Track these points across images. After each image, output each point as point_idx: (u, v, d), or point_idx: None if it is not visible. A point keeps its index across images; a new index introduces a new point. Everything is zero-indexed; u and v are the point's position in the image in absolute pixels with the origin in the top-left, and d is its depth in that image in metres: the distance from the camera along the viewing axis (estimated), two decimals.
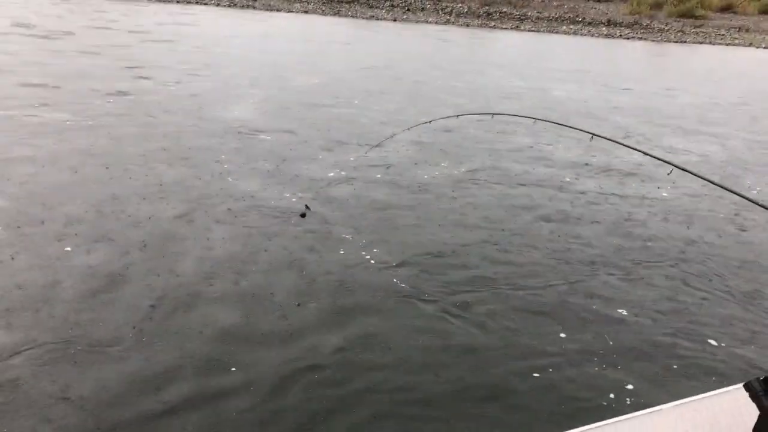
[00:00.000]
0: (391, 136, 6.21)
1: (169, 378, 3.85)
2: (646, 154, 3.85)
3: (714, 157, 11.27)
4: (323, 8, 44.18)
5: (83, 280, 4.96)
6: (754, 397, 1.59)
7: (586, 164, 10.15)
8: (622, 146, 4.15)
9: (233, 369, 3.99)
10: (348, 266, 5.62)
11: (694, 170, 3.16)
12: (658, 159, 3.62)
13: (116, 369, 3.90)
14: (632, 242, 6.85)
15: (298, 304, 4.86)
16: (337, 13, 43.61)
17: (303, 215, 5.40)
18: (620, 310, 5.21)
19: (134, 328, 4.36)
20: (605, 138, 4.20)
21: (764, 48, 37.72)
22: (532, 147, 10.97)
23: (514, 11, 48.50)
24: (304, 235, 6.25)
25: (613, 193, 8.66)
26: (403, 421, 3.65)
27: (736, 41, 39.83)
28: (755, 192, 9.27)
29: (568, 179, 9.18)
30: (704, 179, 3.11)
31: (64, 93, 11.75)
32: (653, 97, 18.04)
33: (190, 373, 3.92)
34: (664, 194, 8.83)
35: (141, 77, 14.01)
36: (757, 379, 1.72)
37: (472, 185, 8.47)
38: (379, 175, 8.52)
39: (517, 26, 46.38)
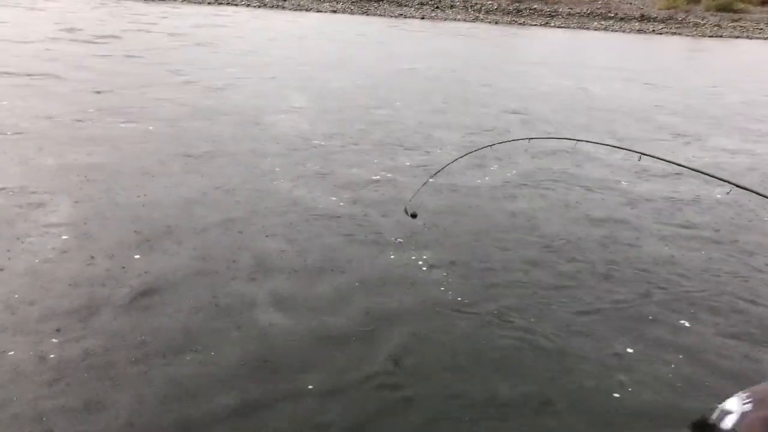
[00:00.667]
0: (453, 161, 6.17)
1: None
2: (698, 171, 3.73)
3: (764, 159, 11.07)
4: (352, 7, 44.30)
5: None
6: None
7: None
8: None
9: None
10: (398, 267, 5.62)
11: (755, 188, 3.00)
12: (717, 178, 3.54)
13: None
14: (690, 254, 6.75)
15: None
16: (366, 12, 43.70)
17: (414, 215, 5.28)
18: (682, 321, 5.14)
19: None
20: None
21: None
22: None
23: (545, 7, 48.11)
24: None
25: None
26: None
27: None
28: None
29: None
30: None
31: (128, 98, 11.94)
32: (695, 94, 17.79)
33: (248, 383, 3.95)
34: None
35: (190, 81, 14.16)
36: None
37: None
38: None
39: (547, 23, 46.06)
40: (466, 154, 6.75)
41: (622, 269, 6.03)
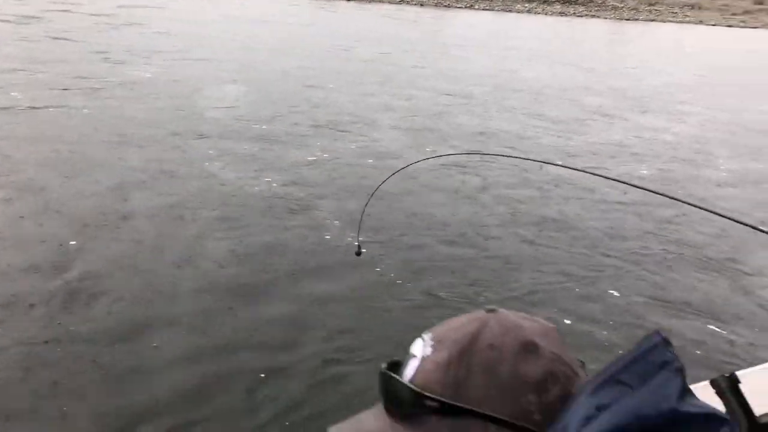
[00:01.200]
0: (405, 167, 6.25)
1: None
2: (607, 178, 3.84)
3: (686, 135, 11.64)
4: None
5: None
6: (720, 394, 1.65)
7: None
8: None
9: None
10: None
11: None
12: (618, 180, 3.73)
13: None
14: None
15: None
16: None
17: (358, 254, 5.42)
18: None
19: None
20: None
21: (713, 26, 38.78)
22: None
23: None
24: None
25: None
26: None
27: (687, 19, 40.85)
28: (724, 170, 9.61)
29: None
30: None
31: (42, 77, 11.35)
32: (619, 75, 18.47)
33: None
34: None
35: (119, 62, 13.61)
36: (723, 375, 1.75)
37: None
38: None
39: (472, 5, 46.54)
40: (421, 160, 6.80)
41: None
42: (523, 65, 18.80)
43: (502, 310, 0.73)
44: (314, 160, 8.37)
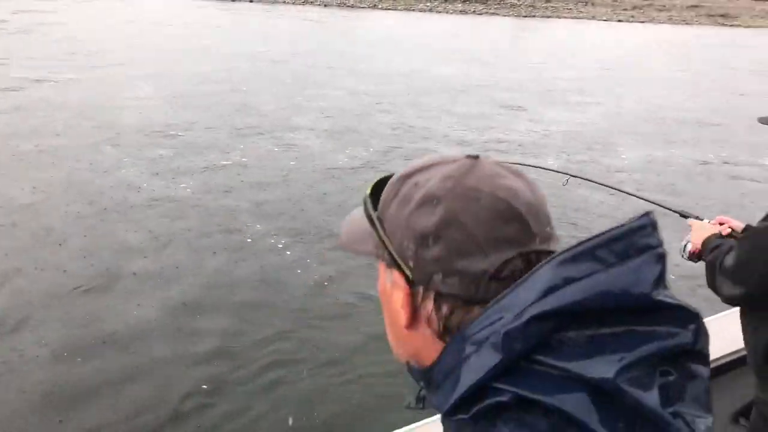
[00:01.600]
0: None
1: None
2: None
3: (590, 126, 12.34)
4: None
5: None
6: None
7: None
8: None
9: None
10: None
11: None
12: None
13: None
14: None
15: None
16: None
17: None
18: None
19: None
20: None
21: (605, 20, 40.94)
22: None
23: None
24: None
25: None
26: None
27: (581, 14, 42.88)
28: (627, 158, 10.28)
29: None
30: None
31: None
32: (523, 71, 19.18)
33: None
34: None
35: (20, 70, 12.99)
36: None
37: None
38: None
39: (375, 5, 46.88)
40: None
41: None
42: (433, 63, 19.26)
43: (483, 160, 0.70)
44: (233, 163, 8.39)
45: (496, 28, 34.66)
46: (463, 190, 0.66)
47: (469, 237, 0.64)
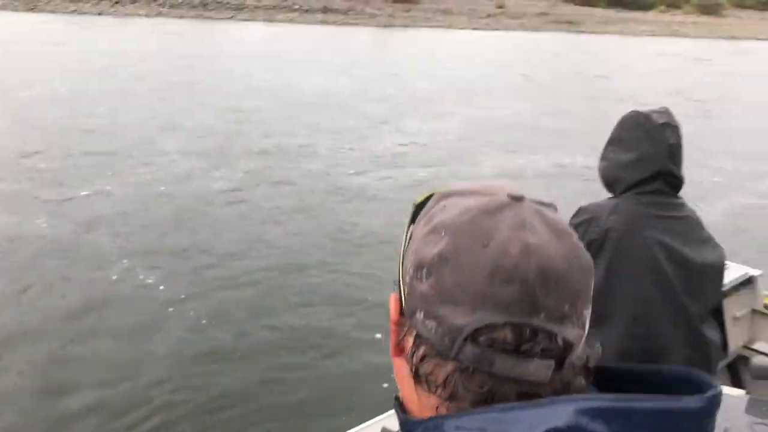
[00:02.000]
0: None
1: None
2: None
3: (452, 135, 12.85)
4: (15, 3, 39.53)
5: None
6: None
7: None
8: None
9: None
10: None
11: None
12: None
13: None
14: None
15: None
16: (34, 9, 39.40)
17: None
18: None
19: None
20: None
21: (462, 29, 42.71)
22: None
23: (232, 0, 48.19)
24: None
25: None
26: None
27: (439, 23, 44.47)
28: (488, 167, 10.81)
29: None
30: None
31: None
32: (387, 82, 19.52)
33: None
34: None
35: None
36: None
37: None
38: None
39: (233, 16, 46.08)
40: None
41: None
42: (299, 76, 19.20)
43: (525, 204, 0.61)
44: (94, 193, 7.98)
45: (358, 38, 35.19)
46: (475, 229, 0.59)
47: (459, 283, 0.57)
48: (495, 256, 0.56)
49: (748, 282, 3.38)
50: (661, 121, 1.95)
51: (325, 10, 46.62)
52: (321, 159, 10.52)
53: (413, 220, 0.68)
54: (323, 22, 45.50)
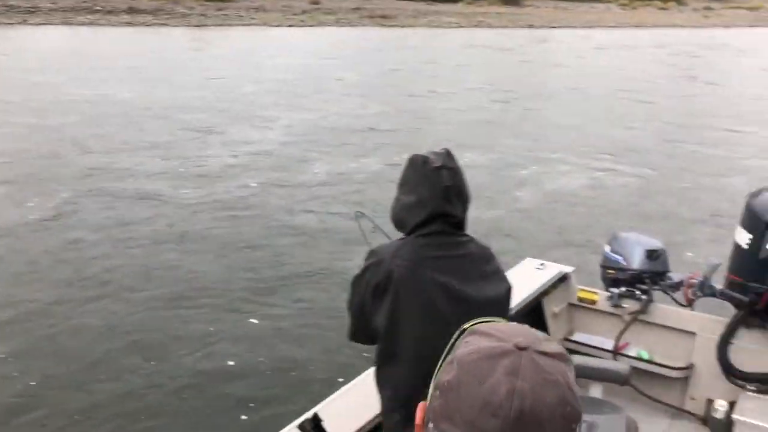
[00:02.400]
0: None
1: None
2: None
3: (279, 142, 12.82)
4: None
5: None
6: None
7: None
8: None
9: None
10: None
11: None
12: None
13: None
14: None
15: None
16: None
17: None
18: None
19: None
20: None
21: (277, 26, 42.33)
22: None
23: (22, 2, 43.99)
24: None
25: None
26: None
27: (254, 21, 43.69)
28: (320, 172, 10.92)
29: None
30: None
31: None
32: (208, 87, 18.78)
33: None
34: None
35: None
36: (307, 419, 2.04)
37: None
38: None
39: (25, 20, 42.09)
40: None
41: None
42: (113, 85, 18.02)
43: (528, 354, 0.75)
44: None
45: (171, 40, 33.75)
46: (476, 368, 0.74)
47: (458, 409, 0.72)
48: (486, 394, 0.72)
49: (563, 279, 3.72)
50: (437, 164, 1.99)
51: (131, 10, 44.14)
52: (146, 177, 10.09)
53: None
54: (130, 24, 43.01)
